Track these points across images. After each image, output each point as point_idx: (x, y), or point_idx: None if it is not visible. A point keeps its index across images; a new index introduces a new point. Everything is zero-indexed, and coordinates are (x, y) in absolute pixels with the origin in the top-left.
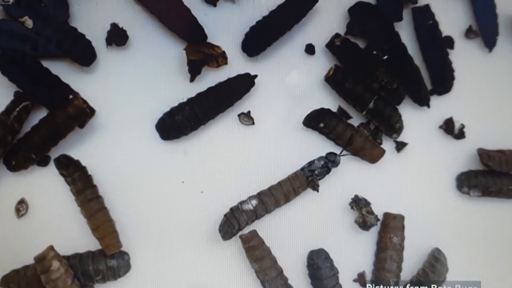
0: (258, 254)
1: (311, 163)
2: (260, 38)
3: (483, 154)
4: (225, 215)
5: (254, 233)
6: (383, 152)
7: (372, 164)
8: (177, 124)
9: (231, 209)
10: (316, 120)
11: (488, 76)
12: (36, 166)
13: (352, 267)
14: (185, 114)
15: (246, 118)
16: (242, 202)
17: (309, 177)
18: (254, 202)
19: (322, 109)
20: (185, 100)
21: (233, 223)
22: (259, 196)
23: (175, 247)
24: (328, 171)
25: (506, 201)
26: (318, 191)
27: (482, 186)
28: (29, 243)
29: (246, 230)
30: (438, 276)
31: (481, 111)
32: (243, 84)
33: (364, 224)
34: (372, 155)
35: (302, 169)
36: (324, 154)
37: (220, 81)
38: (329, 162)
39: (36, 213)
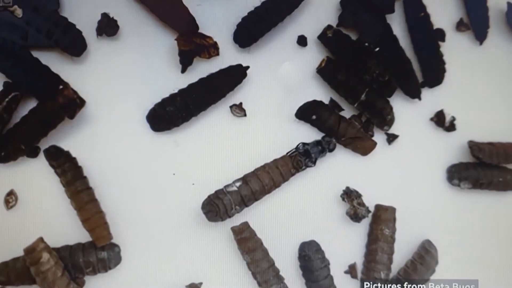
0: (250, 246)
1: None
2: (252, 29)
3: (473, 146)
4: (209, 196)
5: (245, 225)
6: (374, 144)
7: (364, 156)
8: (168, 115)
9: (216, 191)
10: (309, 112)
11: (479, 69)
12: (25, 157)
13: (343, 258)
14: (176, 105)
15: (238, 109)
16: (227, 185)
17: (292, 154)
18: (238, 183)
19: (314, 101)
20: (176, 91)
21: (217, 202)
22: (243, 177)
23: (166, 239)
24: (322, 151)
25: (496, 193)
26: (299, 170)
27: (473, 178)
28: (19, 235)
29: (236, 218)
30: (426, 269)
31: (472, 104)
32: (235, 75)
33: (355, 216)
34: (364, 147)
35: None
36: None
37: (212, 72)
38: (325, 144)
39: (25, 205)
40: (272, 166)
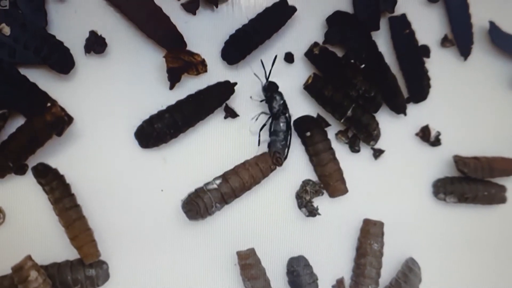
0: (253, 273)
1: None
2: (239, 46)
3: (458, 161)
4: (189, 194)
5: (252, 251)
6: (345, 191)
7: (330, 197)
8: (156, 132)
9: (196, 189)
10: (302, 127)
11: (463, 84)
12: (13, 174)
13: (331, 273)
14: (164, 122)
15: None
16: (207, 183)
17: (275, 152)
18: (217, 181)
19: (307, 116)
20: (164, 107)
21: (197, 201)
22: (223, 174)
23: (155, 256)
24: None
25: (481, 207)
26: (281, 165)
27: (458, 193)
28: (6, 253)
29: (218, 215)
30: (410, 286)
31: (457, 119)
32: (223, 92)
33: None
34: (334, 188)
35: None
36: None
37: (200, 88)
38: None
39: (13, 222)
40: (252, 163)
